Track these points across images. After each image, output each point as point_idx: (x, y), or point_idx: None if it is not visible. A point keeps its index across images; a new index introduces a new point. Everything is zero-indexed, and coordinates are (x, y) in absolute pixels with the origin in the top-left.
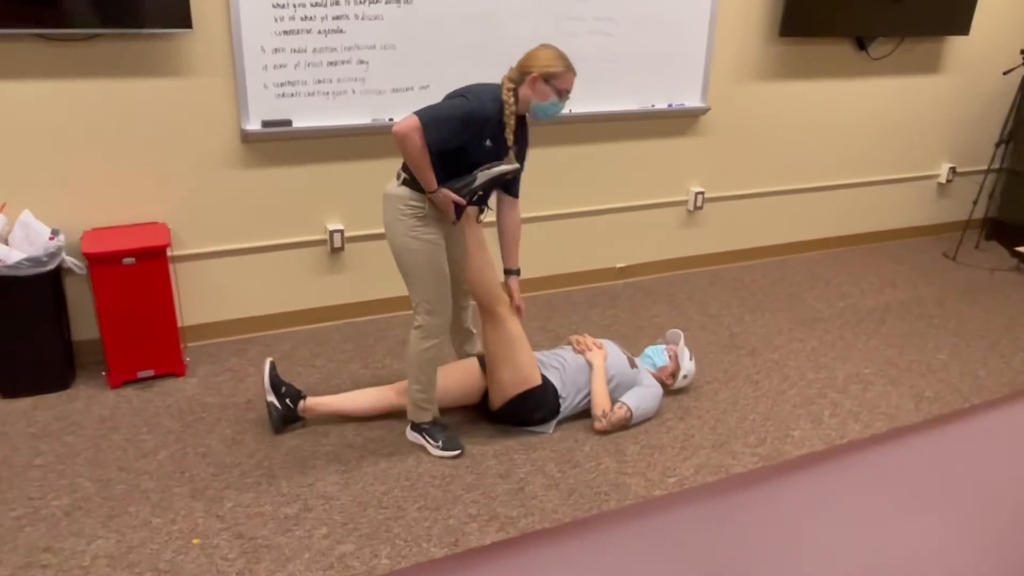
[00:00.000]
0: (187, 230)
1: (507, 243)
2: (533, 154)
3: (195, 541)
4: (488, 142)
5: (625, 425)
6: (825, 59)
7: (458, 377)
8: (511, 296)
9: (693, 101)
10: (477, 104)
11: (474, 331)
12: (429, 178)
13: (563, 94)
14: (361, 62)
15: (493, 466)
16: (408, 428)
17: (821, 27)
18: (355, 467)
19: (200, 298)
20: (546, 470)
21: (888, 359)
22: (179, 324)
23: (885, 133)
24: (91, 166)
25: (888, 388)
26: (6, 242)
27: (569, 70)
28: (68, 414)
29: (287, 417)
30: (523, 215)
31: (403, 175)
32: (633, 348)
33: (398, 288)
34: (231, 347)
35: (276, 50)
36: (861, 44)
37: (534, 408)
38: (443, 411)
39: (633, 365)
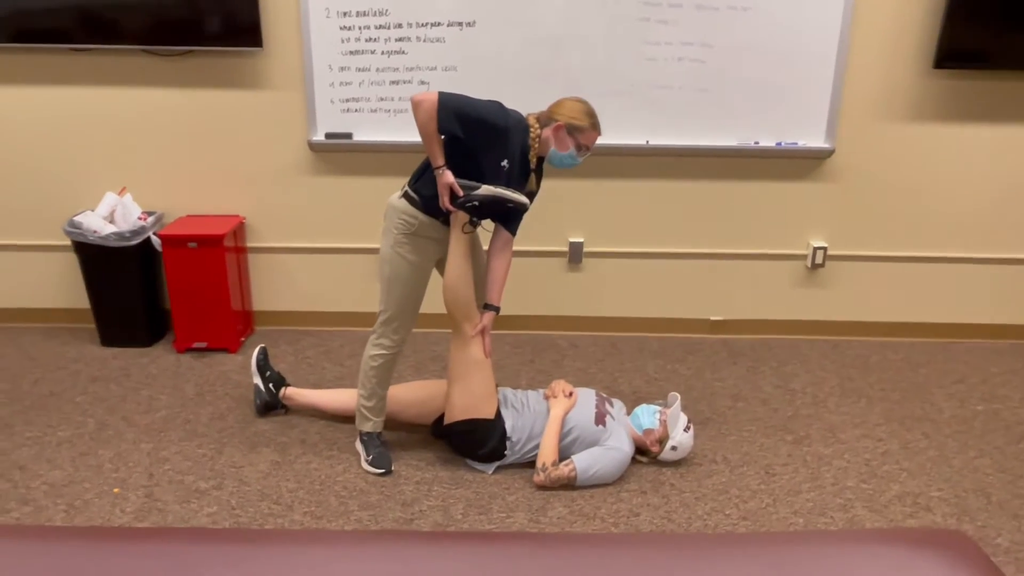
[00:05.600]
0: (263, 225)
1: (493, 279)
2: (615, 185)
3: (116, 490)
4: (504, 163)
5: (569, 485)
6: (1013, 98)
7: (419, 394)
8: (482, 332)
9: (815, 141)
10: (504, 119)
11: None
12: (434, 152)
13: (582, 149)
14: (422, 83)
15: (406, 492)
16: (357, 437)
17: (1004, 58)
18: (290, 461)
19: (271, 287)
20: (451, 510)
21: (982, 486)
22: (251, 308)
23: None
24: (188, 161)
25: (948, 521)
26: (112, 218)
27: (594, 128)
28: (130, 367)
29: (269, 404)
30: (602, 248)
31: (405, 188)
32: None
33: None
34: (290, 335)
35: (342, 68)
36: None
37: (478, 442)
38: (402, 426)
39: (600, 422)
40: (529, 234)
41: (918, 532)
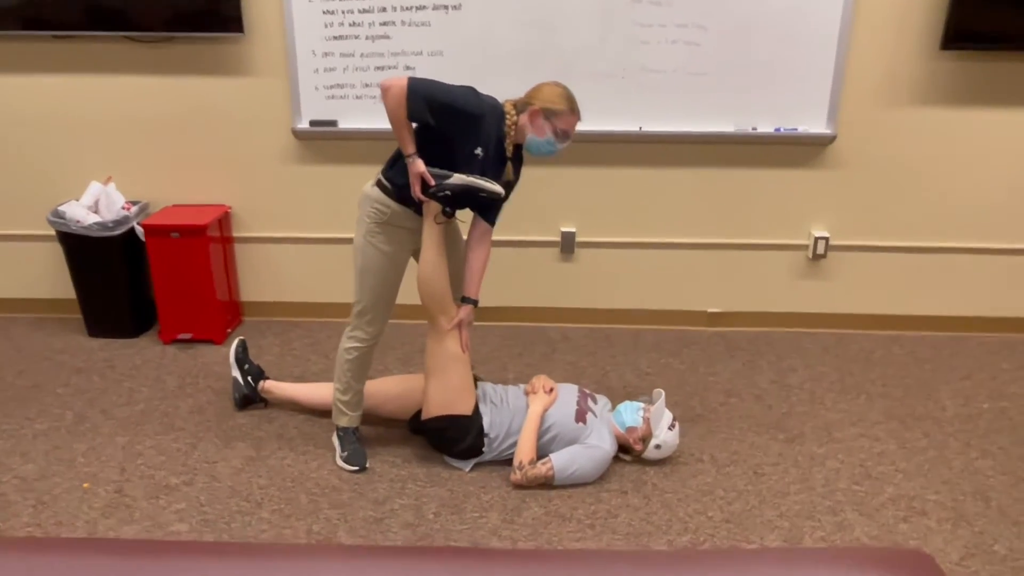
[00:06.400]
0: (249, 214)
1: (471, 272)
2: (608, 173)
3: (85, 485)
4: (478, 151)
5: (547, 484)
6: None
7: (397, 389)
8: (458, 325)
9: (816, 126)
10: (477, 106)
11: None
12: (405, 139)
13: (560, 135)
14: (408, 68)
15: (379, 489)
16: (334, 431)
17: (1014, 38)
18: (264, 456)
19: (259, 278)
20: (422, 509)
21: (982, 489)
22: (238, 299)
23: None
24: (173, 150)
25: (943, 526)
26: (96, 208)
27: (572, 113)
28: (114, 358)
29: (248, 397)
30: (595, 238)
31: (379, 176)
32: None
33: None
34: (278, 326)
35: (326, 54)
36: None
37: (454, 438)
38: (381, 420)
39: (580, 419)
40: (520, 224)
41: (876, 552)
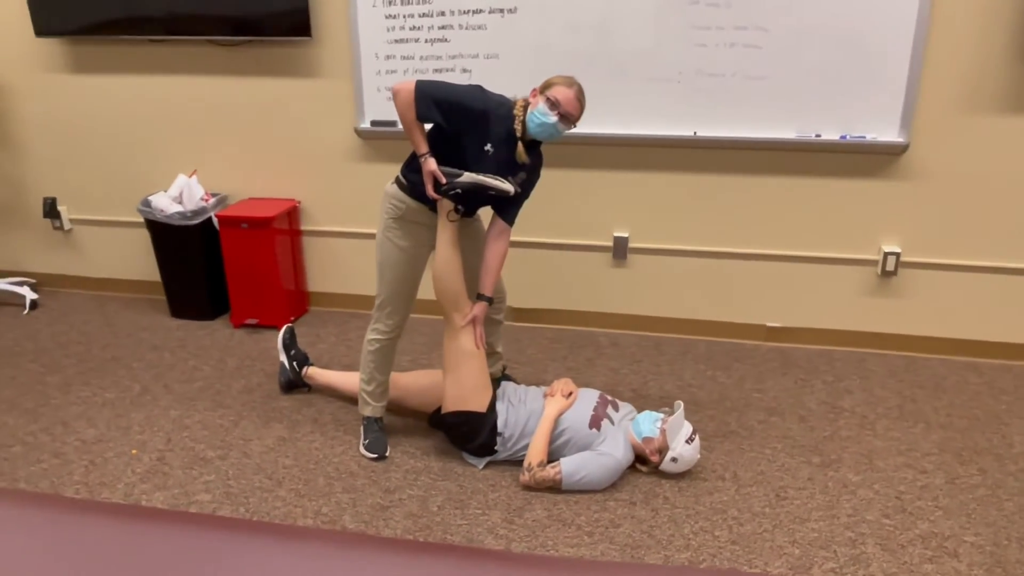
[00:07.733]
0: (316, 209)
1: (487, 269)
2: (663, 178)
3: (133, 451)
4: (488, 147)
5: (555, 488)
6: None
7: (420, 382)
8: (473, 322)
9: (887, 134)
10: (482, 102)
11: (498, 350)
12: (417, 139)
13: (554, 104)
14: (464, 71)
15: (392, 479)
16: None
17: None
18: (296, 438)
19: (325, 269)
20: (428, 502)
21: None
22: (305, 288)
23: None
24: (250, 146)
25: (975, 572)
26: (180, 199)
27: (567, 85)
28: (187, 338)
29: (292, 381)
30: (649, 244)
31: (398, 175)
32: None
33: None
34: (340, 317)
35: (388, 57)
36: None
37: (467, 434)
38: (410, 412)
39: (595, 426)
40: (572, 227)
41: None
